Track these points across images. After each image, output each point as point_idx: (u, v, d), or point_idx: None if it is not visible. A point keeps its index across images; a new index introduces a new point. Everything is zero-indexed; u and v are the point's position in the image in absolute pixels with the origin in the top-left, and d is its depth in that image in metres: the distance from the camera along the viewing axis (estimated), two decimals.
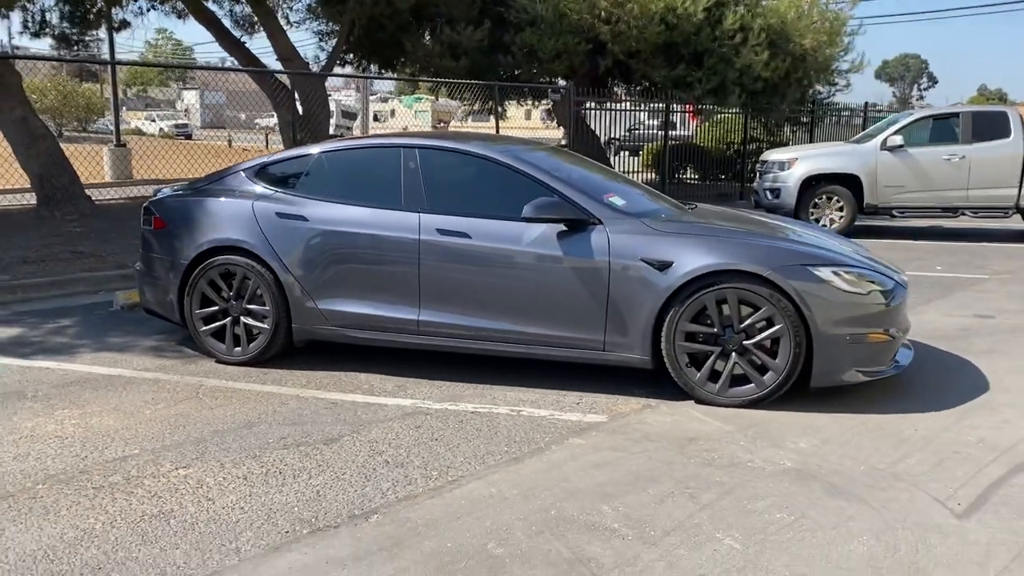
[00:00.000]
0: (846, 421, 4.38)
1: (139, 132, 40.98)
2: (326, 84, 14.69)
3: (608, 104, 15.74)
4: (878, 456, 3.92)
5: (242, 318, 5.38)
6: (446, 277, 4.98)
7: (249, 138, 28.96)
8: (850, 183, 11.82)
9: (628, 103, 16.21)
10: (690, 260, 4.55)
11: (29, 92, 33.46)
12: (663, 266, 4.58)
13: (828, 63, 15.57)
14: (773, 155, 12.70)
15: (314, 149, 5.61)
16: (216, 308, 5.43)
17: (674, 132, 22.53)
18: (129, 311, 6.87)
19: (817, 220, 11.94)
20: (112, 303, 7.12)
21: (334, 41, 15.81)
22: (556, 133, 25.65)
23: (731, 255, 4.54)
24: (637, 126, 18.12)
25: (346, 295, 5.18)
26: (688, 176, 19.01)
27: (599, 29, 13.70)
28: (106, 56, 20.25)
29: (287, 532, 3.18)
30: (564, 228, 4.78)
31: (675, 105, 15.99)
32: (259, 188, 5.51)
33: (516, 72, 14.65)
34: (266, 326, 5.31)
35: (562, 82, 15.56)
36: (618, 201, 5.02)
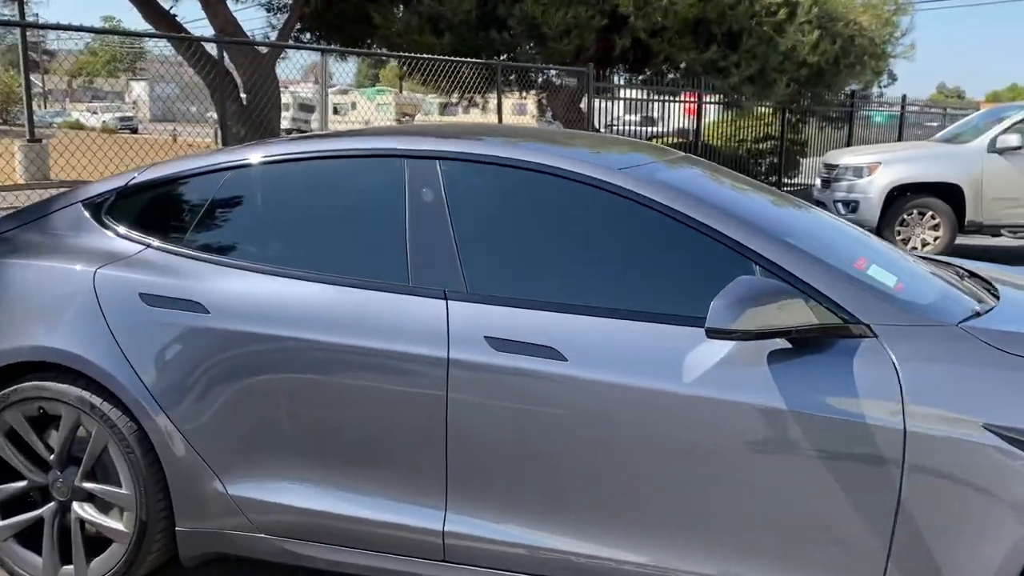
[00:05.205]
0: None
1: (79, 126, 37.68)
2: (285, 75, 11.84)
3: (621, 92, 12.99)
4: None
5: (76, 506, 2.62)
6: (506, 444, 2.26)
7: (198, 132, 25.81)
8: (948, 194, 9.28)
9: (646, 92, 13.42)
10: None
11: None
12: None
13: (883, 47, 13.03)
14: (845, 158, 10.10)
15: (227, 158, 2.78)
16: (23, 485, 2.66)
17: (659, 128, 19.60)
18: None
19: (905, 241, 9.39)
20: None
21: (286, 16, 12.91)
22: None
23: None
24: (612, 122, 15.35)
25: (287, 470, 2.44)
26: None
27: None
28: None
29: None
30: (787, 344, 2.10)
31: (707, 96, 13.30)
32: (113, 238, 2.72)
33: (514, 52, 11.85)
34: (121, 527, 2.55)
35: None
36: (887, 279, 2.32)
